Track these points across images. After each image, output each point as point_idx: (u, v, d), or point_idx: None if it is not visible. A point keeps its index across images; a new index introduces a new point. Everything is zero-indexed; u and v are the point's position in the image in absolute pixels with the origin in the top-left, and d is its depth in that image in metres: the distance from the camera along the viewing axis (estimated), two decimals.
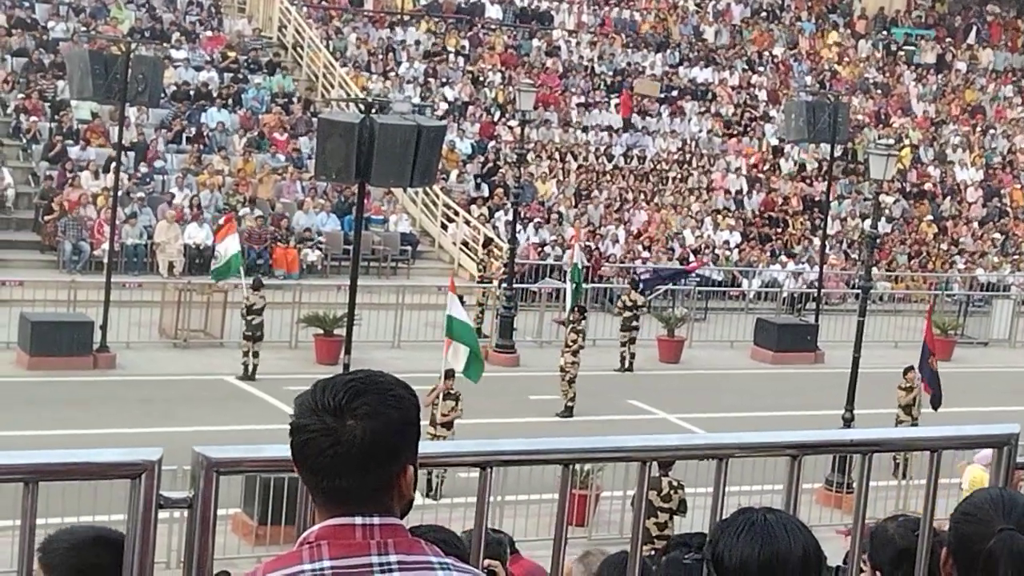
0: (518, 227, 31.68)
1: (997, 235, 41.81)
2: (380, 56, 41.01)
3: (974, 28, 52.65)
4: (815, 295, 32.33)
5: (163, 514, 3.30)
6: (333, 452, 2.86)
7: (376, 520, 2.90)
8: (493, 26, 44.46)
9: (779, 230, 39.27)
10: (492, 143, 39.11)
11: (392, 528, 2.92)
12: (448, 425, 20.14)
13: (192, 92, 36.90)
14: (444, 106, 39.41)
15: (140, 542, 3.23)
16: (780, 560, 3.16)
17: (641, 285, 30.62)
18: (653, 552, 13.84)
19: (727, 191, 40.29)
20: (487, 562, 3.69)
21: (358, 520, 2.89)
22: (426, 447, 3.51)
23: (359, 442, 2.86)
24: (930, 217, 41.85)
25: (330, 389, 2.89)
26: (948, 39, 51.59)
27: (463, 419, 20.42)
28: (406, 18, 43.61)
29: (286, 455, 2.99)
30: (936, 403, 22.54)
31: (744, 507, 3.27)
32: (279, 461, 3.18)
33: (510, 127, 38.69)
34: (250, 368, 25.61)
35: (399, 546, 2.91)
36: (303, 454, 2.91)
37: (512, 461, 3.85)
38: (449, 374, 20.59)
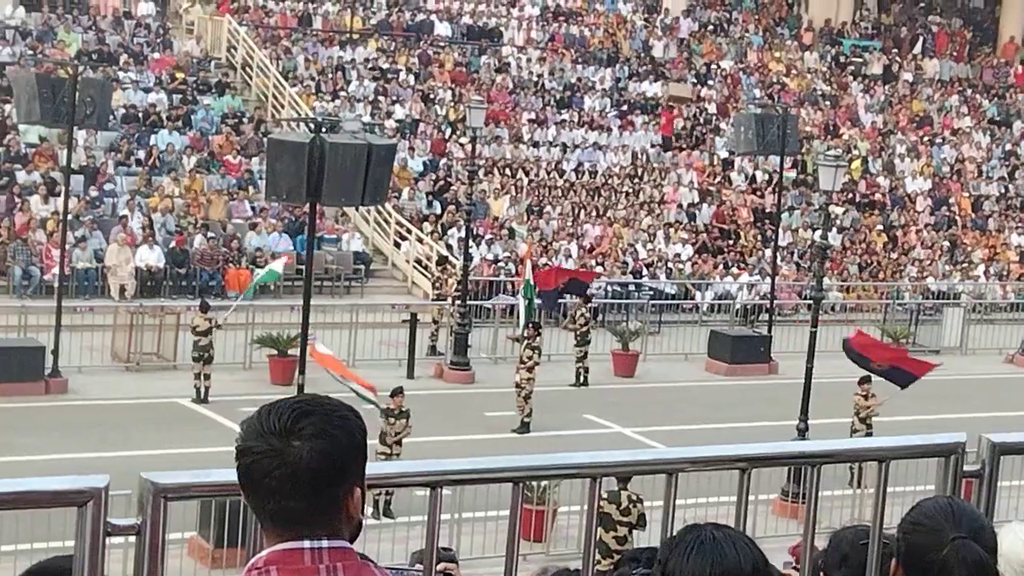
0: (471, 244, 31.68)
1: (946, 243, 42.15)
2: (329, 75, 40.97)
3: (920, 39, 53.13)
4: (768, 306, 32.47)
5: (118, 539, 3.27)
6: (279, 474, 2.86)
7: (325, 544, 2.89)
8: (442, 43, 44.51)
9: (731, 242, 39.44)
10: (443, 160, 39.13)
11: (341, 551, 2.91)
12: (399, 442, 20.12)
13: (141, 114, 36.73)
14: (394, 124, 39.40)
15: (88, 570, 3.21)
16: None
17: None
18: (612, 567, 13.86)
19: (679, 204, 40.45)
20: (442, 566, 3.70)
21: (306, 544, 2.88)
22: (376, 467, 3.51)
23: (305, 463, 2.85)
24: (880, 227, 42.16)
25: (275, 412, 2.89)
26: (895, 50, 52.04)
27: (416, 437, 20.36)
28: (355, 37, 43.58)
29: (234, 479, 2.97)
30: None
31: (691, 524, 3.27)
32: (227, 485, 3.16)
33: (461, 144, 38.72)
34: (202, 391, 25.47)
35: (348, 570, 2.89)
36: (249, 477, 2.90)
37: (462, 480, 3.84)
38: (398, 391, 20.57)
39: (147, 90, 37.82)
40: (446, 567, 3.82)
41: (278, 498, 2.87)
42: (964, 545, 3.40)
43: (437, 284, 32.72)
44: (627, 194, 40.27)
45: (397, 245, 35.48)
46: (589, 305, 29.87)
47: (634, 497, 16.38)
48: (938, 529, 3.45)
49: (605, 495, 16.18)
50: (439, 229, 35.91)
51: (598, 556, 15.48)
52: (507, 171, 39.34)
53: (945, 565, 3.40)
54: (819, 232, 26.99)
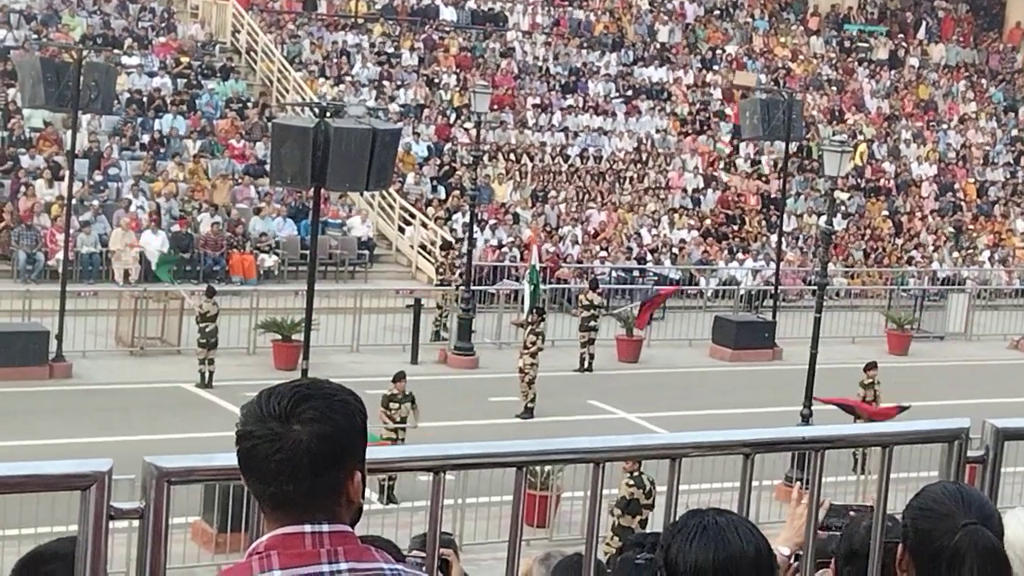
0: (475, 229, 31.65)
1: (951, 229, 42.09)
2: (334, 60, 40.92)
3: (925, 24, 53.01)
4: (772, 292, 32.43)
5: (122, 523, 3.27)
6: (279, 458, 2.85)
7: (326, 528, 2.88)
8: (447, 28, 44.44)
9: (736, 228, 39.40)
10: (448, 145, 39.09)
11: (342, 535, 2.90)
12: (402, 427, 20.13)
13: (145, 98, 36.70)
14: (399, 109, 39.36)
15: (91, 554, 3.21)
16: (734, 563, 3.16)
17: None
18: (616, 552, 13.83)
19: (683, 190, 40.41)
20: (441, 551, 3.69)
21: (307, 528, 2.87)
22: (379, 452, 3.50)
23: (304, 447, 2.84)
24: (885, 212, 42.10)
25: (275, 396, 2.89)
26: (900, 35, 51.93)
27: (419, 421, 20.35)
28: (360, 21, 43.52)
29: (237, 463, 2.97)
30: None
31: (693, 509, 3.27)
32: (231, 470, 3.15)
33: (466, 129, 38.67)
34: (206, 375, 25.49)
35: (349, 554, 2.89)
36: (249, 461, 2.90)
37: (465, 465, 3.84)
38: (400, 376, 20.56)
39: (151, 74, 37.79)
40: (443, 552, 3.81)
41: (278, 482, 2.86)
42: (976, 531, 3.36)
43: (441, 269, 32.71)
44: (632, 179, 40.23)
45: (401, 230, 35.45)
46: (593, 293, 29.68)
47: (652, 478, 16.38)
48: (948, 515, 3.40)
49: (632, 482, 16.18)
50: (444, 214, 35.88)
51: (620, 543, 15.42)
52: (512, 156, 39.30)
53: (956, 551, 3.35)
54: (824, 218, 27.00)
